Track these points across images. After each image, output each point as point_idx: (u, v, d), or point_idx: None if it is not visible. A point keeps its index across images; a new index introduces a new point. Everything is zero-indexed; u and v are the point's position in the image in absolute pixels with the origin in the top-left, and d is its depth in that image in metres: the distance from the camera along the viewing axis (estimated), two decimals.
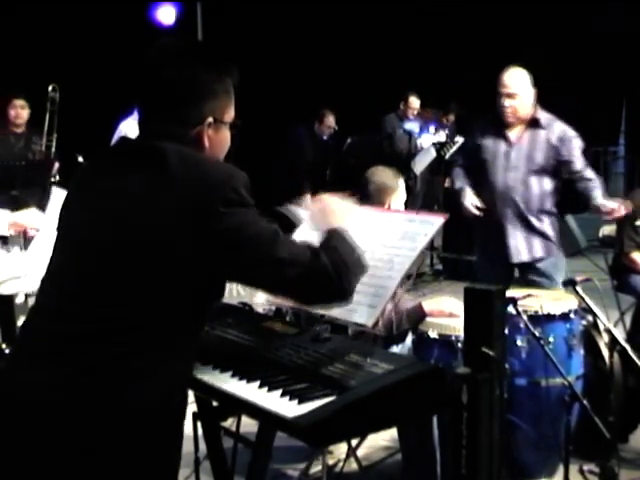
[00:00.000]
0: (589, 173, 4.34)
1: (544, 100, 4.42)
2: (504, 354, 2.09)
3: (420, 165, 8.39)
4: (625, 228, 4.93)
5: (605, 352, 3.55)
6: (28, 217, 3.35)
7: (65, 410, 1.68)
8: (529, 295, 3.34)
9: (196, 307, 1.80)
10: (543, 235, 4.38)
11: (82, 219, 1.84)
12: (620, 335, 3.48)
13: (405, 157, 8.37)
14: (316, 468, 3.55)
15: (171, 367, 1.76)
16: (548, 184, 4.35)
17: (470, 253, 6.27)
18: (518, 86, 4.30)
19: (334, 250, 1.86)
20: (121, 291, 1.73)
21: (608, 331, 3.40)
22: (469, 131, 5.06)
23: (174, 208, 1.72)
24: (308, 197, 2.30)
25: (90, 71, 8.58)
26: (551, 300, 3.47)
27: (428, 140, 8.61)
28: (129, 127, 5.83)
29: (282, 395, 1.82)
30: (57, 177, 7.00)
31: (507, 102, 4.30)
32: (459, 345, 3.08)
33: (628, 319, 4.79)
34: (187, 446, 1.96)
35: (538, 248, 4.38)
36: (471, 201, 4.43)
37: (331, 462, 3.61)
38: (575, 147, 4.32)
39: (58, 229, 1.91)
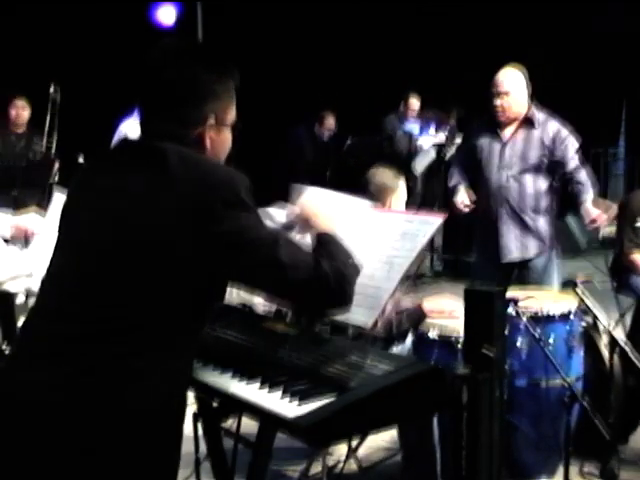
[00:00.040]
0: (581, 175, 4.31)
1: (544, 100, 4.43)
2: (504, 355, 2.09)
3: (420, 166, 8.40)
4: (625, 229, 4.93)
5: (605, 353, 3.55)
6: (29, 220, 3.35)
7: (65, 410, 1.68)
8: (530, 297, 3.34)
9: (196, 307, 1.80)
10: (537, 234, 4.39)
11: (82, 219, 1.85)
12: (620, 336, 3.49)
13: (405, 158, 8.38)
14: (316, 469, 3.55)
15: (171, 367, 1.76)
16: (543, 183, 4.36)
17: (470, 254, 6.27)
18: (509, 85, 4.32)
19: (332, 256, 1.85)
20: (121, 291, 1.73)
21: (608, 332, 3.41)
22: (467, 131, 5.08)
23: (174, 208, 1.72)
24: (285, 204, 2.30)
25: (90, 71, 8.57)
26: (551, 301, 3.48)
27: (428, 141, 8.62)
28: (129, 127, 5.84)
29: (282, 395, 1.82)
30: (57, 177, 7.00)
31: (498, 101, 4.34)
32: (459, 345, 3.08)
33: (628, 320, 4.79)
34: (187, 446, 1.97)
35: (531, 247, 4.39)
36: (462, 199, 4.45)
37: (331, 463, 3.61)
38: (569, 146, 4.31)
39: (58, 229, 1.91)
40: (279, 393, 1.84)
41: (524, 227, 4.37)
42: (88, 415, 1.68)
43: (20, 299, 3.19)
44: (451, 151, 8.14)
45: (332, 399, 1.78)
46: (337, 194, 2.37)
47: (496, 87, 4.35)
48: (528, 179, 4.34)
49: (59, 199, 3.20)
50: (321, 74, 10.05)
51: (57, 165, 7.09)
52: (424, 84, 9.04)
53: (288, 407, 1.77)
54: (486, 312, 1.98)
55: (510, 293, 3.21)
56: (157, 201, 1.74)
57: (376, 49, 10.41)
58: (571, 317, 3.40)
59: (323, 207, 2.12)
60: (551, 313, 3.34)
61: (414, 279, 4.59)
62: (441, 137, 8.68)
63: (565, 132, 4.33)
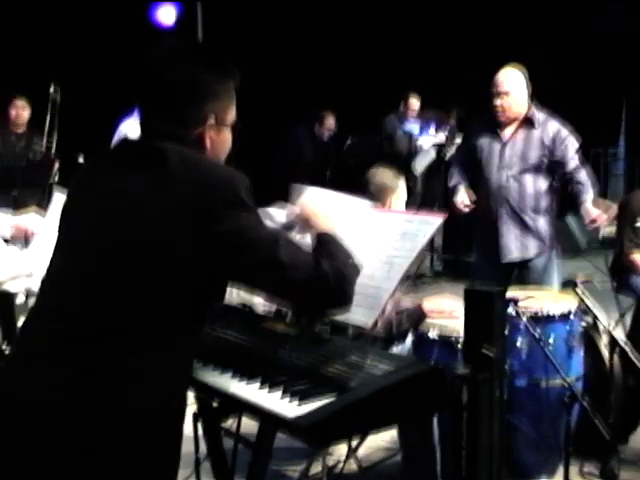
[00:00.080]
0: (581, 175, 4.31)
1: (544, 100, 4.43)
2: (504, 355, 2.09)
3: (420, 166, 8.40)
4: (625, 229, 4.93)
5: (605, 353, 3.55)
6: (29, 220, 3.36)
7: (65, 410, 1.68)
8: (530, 297, 3.34)
9: (196, 307, 1.80)
10: (537, 234, 4.39)
11: (82, 219, 1.85)
12: (620, 336, 3.49)
13: (405, 158, 8.38)
14: (316, 469, 3.55)
15: (171, 367, 1.76)
16: (543, 183, 4.36)
17: (470, 254, 6.27)
18: (509, 85, 4.33)
19: (332, 256, 1.85)
20: (121, 291, 1.73)
21: (608, 332, 3.41)
22: (467, 131, 5.09)
23: (174, 208, 1.72)
24: (285, 204, 2.30)
25: (90, 71, 8.57)
26: (551, 301, 3.48)
27: (428, 141, 8.62)
28: (129, 127, 5.84)
29: (282, 395, 1.82)
30: (57, 177, 7.01)
31: (498, 101, 4.35)
32: (459, 345, 3.08)
33: (628, 320, 4.79)
34: (187, 446, 1.97)
35: (531, 247, 4.39)
36: (461, 199, 4.46)
37: (331, 463, 3.61)
38: (569, 146, 4.31)
39: (58, 229, 1.92)
40: (279, 393, 1.84)
41: (524, 227, 4.37)
42: (88, 415, 1.68)
43: (20, 299, 3.19)
44: (451, 151, 8.14)
45: (332, 399, 1.78)
46: (337, 194, 2.37)
47: (496, 87, 4.35)
48: (528, 179, 4.34)
49: (59, 199, 3.20)
50: (321, 74, 10.05)
51: (57, 165, 7.09)
52: (424, 84, 9.04)
53: (288, 407, 1.77)
54: (486, 312, 1.98)
55: (510, 293, 3.21)
56: (157, 201, 1.74)
57: (376, 49, 10.41)
58: (571, 317, 3.40)
59: (323, 207, 2.12)
60: (551, 313, 3.34)
61: (414, 279, 4.59)
62: (441, 137, 8.68)
63: (565, 132, 4.33)
